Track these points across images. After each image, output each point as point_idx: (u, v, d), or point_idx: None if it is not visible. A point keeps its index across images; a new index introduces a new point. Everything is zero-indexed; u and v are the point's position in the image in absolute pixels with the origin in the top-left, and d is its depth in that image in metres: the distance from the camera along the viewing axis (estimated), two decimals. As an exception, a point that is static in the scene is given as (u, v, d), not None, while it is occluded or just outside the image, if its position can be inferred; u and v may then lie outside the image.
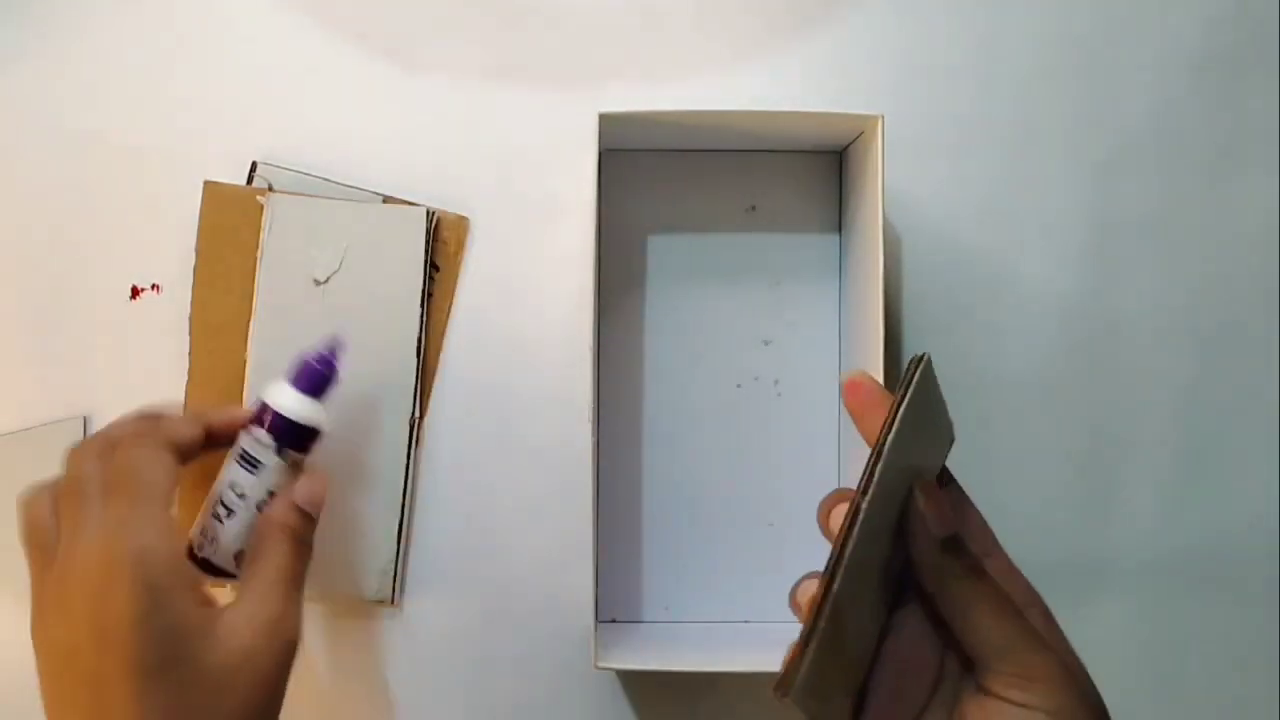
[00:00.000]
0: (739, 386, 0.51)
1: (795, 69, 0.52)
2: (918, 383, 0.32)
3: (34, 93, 0.51)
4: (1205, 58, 0.53)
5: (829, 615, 0.29)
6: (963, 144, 0.52)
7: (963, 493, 0.36)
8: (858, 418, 0.34)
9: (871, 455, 0.31)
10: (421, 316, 0.50)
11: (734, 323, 0.51)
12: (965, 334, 0.52)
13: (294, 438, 0.43)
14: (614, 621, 0.50)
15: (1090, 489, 0.51)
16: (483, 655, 0.51)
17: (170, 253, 0.50)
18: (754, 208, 0.52)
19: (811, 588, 0.31)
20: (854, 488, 0.31)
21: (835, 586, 0.29)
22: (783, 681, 0.29)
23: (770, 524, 0.51)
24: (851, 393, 0.34)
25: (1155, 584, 0.52)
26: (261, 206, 0.50)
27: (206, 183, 0.50)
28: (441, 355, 0.51)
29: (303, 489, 0.42)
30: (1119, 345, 0.52)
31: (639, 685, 0.51)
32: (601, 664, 0.43)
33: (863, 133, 0.47)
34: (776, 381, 0.51)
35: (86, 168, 0.51)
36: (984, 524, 0.36)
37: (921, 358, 0.33)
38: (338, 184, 0.51)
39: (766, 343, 0.51)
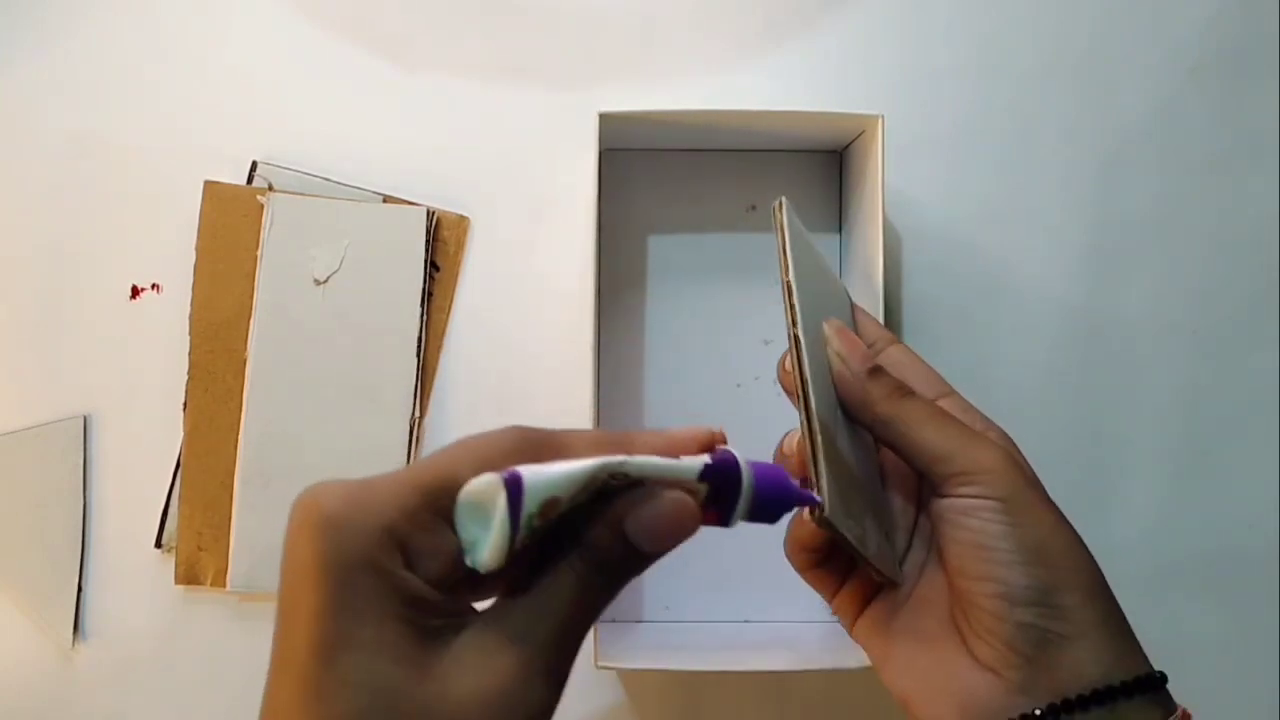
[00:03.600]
0: (739, 386, 0.51)
1: (795, 69, 0.52)
2: (790, 224, 0.34)
3: (34, 93, 0.51)
4: (1205, 58, 0.53)
5: (820, 430, 0.32)
6: (963, 144, 0.52)
7: (908, 349, 0.38)
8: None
9: (783, 291, 0.33)
10: (421, 316, 0.50)
11: (734, 323, 0.51)
12: (965, 334, 0.52)
13: (723, 492, 0.29)
14: (614, 621, 0.50)
15: (1090, 489, 0.51)
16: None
17: (170, 253, 0.50)
18: (754, 208, 0.52)
19: (795, 438, 0.35)
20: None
21: (811, 401, 0.32)
22: (815, 508, 0.31)
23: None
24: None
25: (1155, 584, 0.52)
26: (261, 206, 0.50)
27: (206, 183, 0.50)
28: (441, 355, 0.51)
29: (647, 512, 0.27)
30: (1119, 345, 0.52)
31: (639, 685, 0.51)
32: (601, 664, 0.43)
33: (863, 133, 0.47)
34: (776, 381, 0.51)
35: (86, 168, 0.51)
36: (933, 373, 0.37)
37: (779, 203, 0.35)
38: (338, 184, 0.51)
39: (766, 343, 0.51)
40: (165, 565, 0.50)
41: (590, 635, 0.43)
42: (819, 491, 0.31)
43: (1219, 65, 0.52)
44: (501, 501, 0.25)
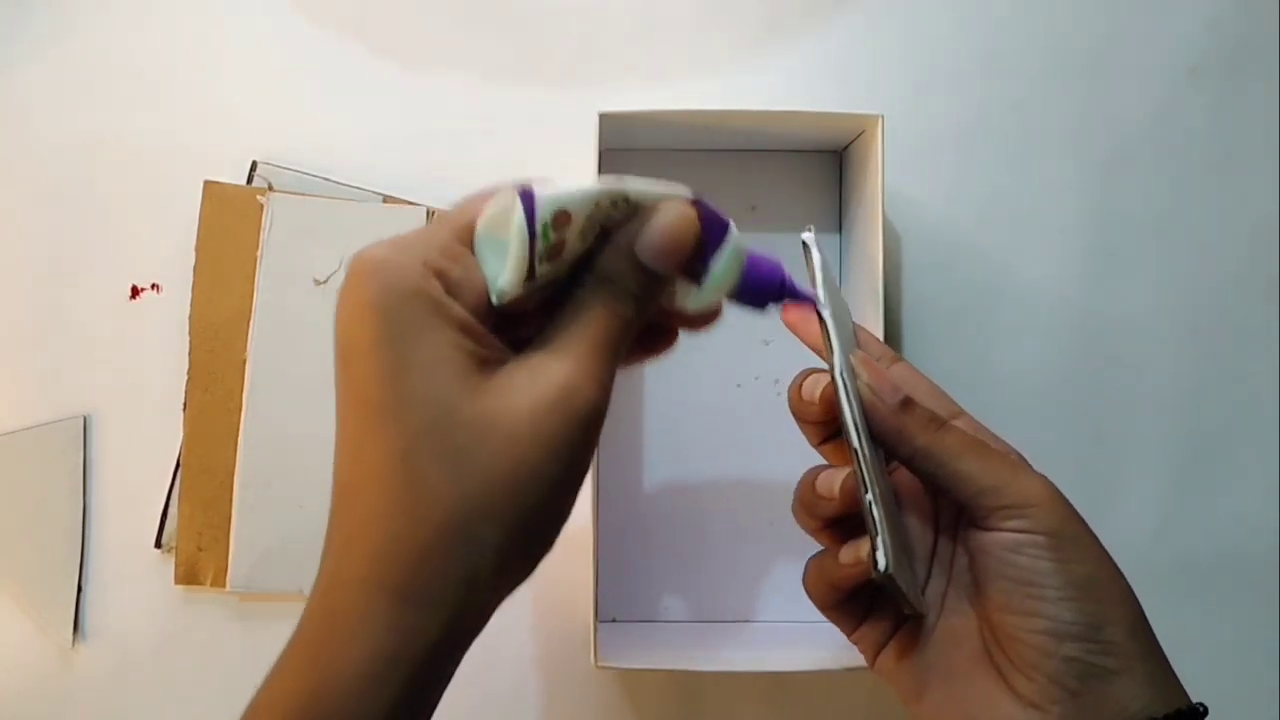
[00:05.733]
0: (739, 386, 0.51)
1: (795, 69, 0.52)
2: (819, 260, 0.34)
3: (34, 93, 0.51)
4: (1205, 58, 0.52)
5: (874, 481, 0.31)
6: (963, 144, 0.52)
7: (910, 366, 0.37)
8: (797, 327, 0.35)
9: (820, 324, 0.33)
10: (421, 316, 0.50)
11: (734, 323, 0.51)
12: (965, 334, 0.52)
13: (711, 230, 0.30)
14: (614, 621, 0.50)
15: (1090, 489, 0.51)
16: (483, 655, 0.50)
17: (170, 253, 0.50)
18: (754, 208, 0.52)
19: (821, 381, 0.35)
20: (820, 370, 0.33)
21: (865, 450, 0.32)
22: (876, 566, 0.31)
23: (770, 524, 0.51)
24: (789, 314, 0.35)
25: (1155, 584, 0.52)
26: (261, 206, 0.50)
27: (206, 183, 0.50)
28: (441, 355, 0.51)
29: (650, 227, 0.29)
30: (1119, 345, 0.52)
31: (639, 685, 0.51)
32: (601, 664, 0.43)
33: (863, 133, 0.47)
34: (776, 381, 0.51)
35: (86, 168, 0.51)
36: (939, 391, 0.36)
37: (807, 243, 0.35)
38: (338, 184, 0.51)
39: (766, 343, 0.51)
40: (165, 565, 0.50)
41: (591, 635, 0.43)
42: (877, 549, 0.31)
43: (1219, 65, 0.52)
44: (517, 212, 0.27)
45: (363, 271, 0.26)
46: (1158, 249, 0.52)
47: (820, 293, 0.33)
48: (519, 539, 0.27)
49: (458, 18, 0.52)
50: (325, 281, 0.50)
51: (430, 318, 0.26)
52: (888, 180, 0.45)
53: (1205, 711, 0.32)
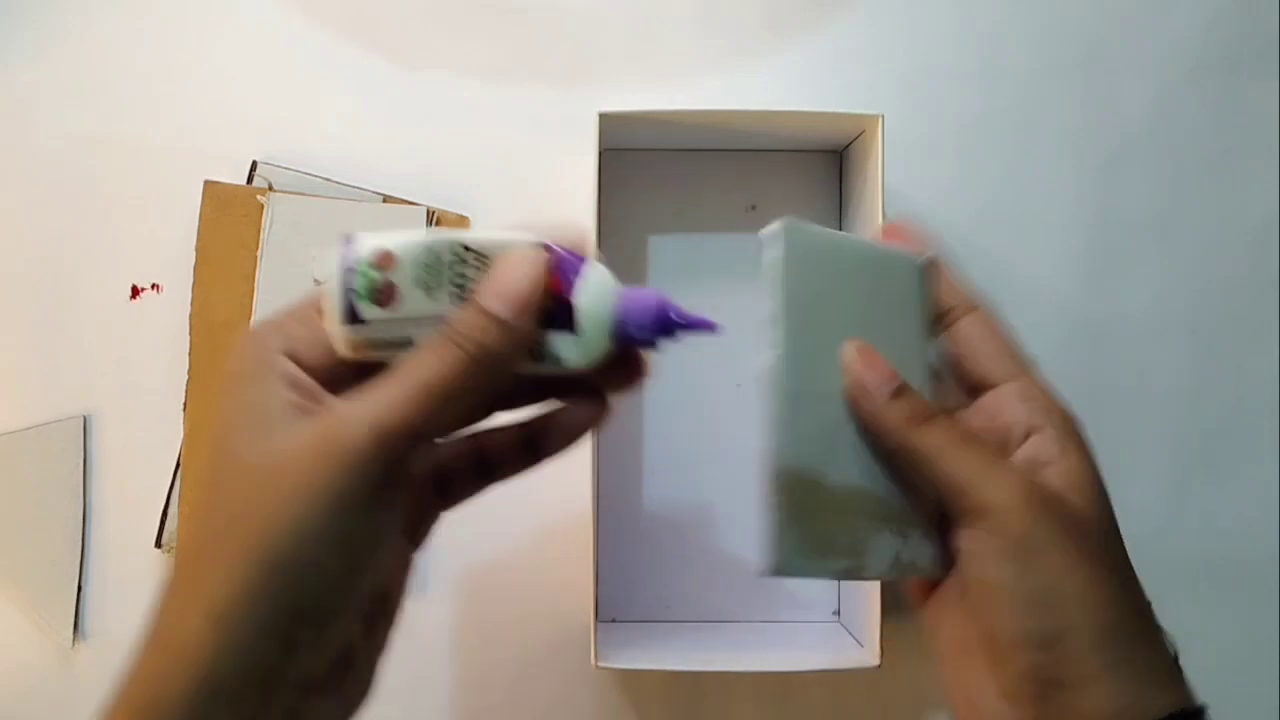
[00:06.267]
0: (739, 386, 0.51)
1: (795, 69, 0.52)
2: (786, 254, 0.33)
3: (34, 93, 0.51)
4: (1205, 58, 0.52)
5: (781, 486, 0.31)
6: (963, 144, 0.52)
7: (984, 318, 0.35)
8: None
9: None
10: (421, 316, 0.50)
11: (734, 323, 0.51)
12: (965, 334, 0.52)
13: (566, 264, 0.29)
14: (614, 621, 0.50)
15: (1090, 489, 0.51)
16: (483, 655, 0.51)
17: (170, 253, 0.50)
18: (754, 208, 0.52)
19: None
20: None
21: (775, 456, 0.31)
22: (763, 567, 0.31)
23: (770, 524, 0.51)
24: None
25: (1155, 584, 0.52)
26: (261, 206, 0.50)
27: (206, 183, 0.50)
28: (441, 355, 0.51)
29: (494, 280, 0.28)
30: (1119, 345, 0.52)
31: (639, 685, 0.51)
32: (601, 664, 0.43)
33: (863, 133, 0.47)
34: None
35: (86, 168, 0.51)
36: (1006, 346, 0.35)
37: (771, 234, 0.33)
38: (338, 184, 0.51)
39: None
40: (165, 565, 0.50)
41: (591, 635, 0.43)
42: (769, 545, 0.31)
43: (1219, 65, 0.52)
44: (336, 256, 0.28)
45: (241, 341, 0.29)
46: (1158, 249, 0.52)
47: (777, 296, 0.32)
48: (283, 597, 0.26)
49: (458, 18, 0.52)
50: (325, 281, 0.50)
51: (256, 372, 0.28)
52: (888, 180, 0.45)
53: (1199, 712, 0.31)
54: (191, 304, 0.50)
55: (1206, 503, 0.52)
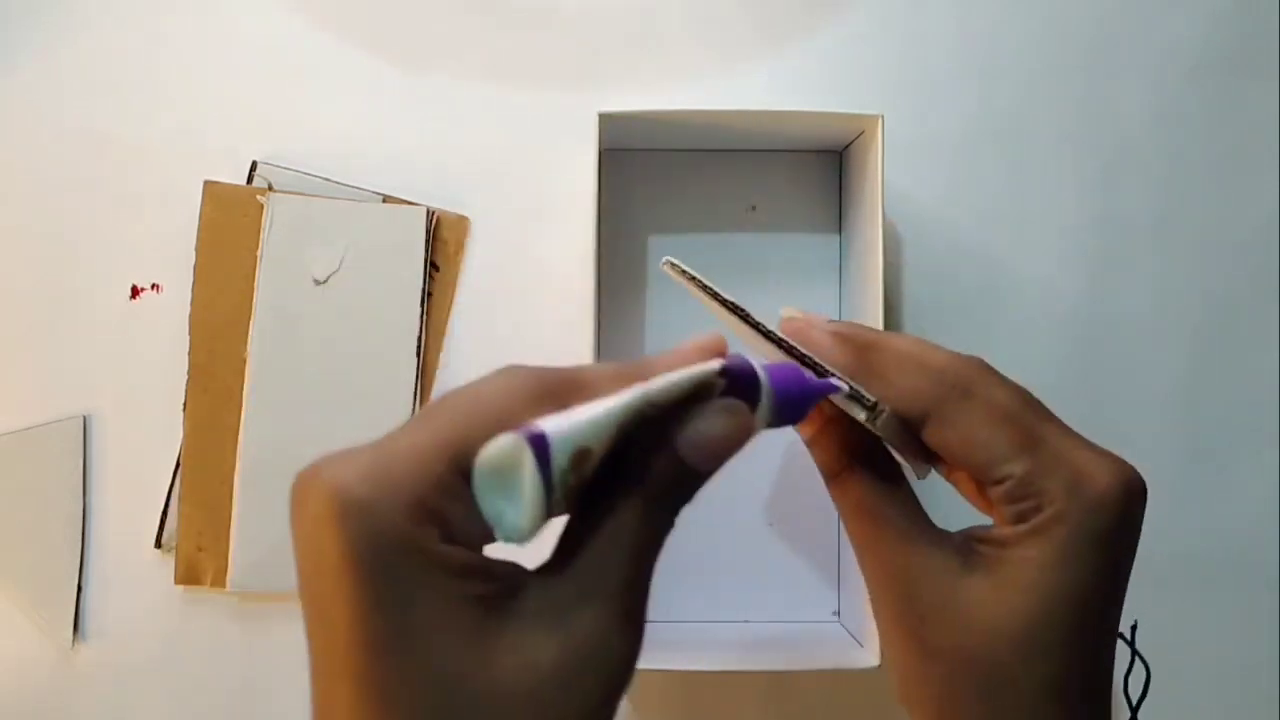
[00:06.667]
0: (739, 386, 0.51)
1: (795, 69, 0.52)
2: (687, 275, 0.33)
3: (35, 92, 0.51)
4: (1205, 58, 0.53)
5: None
6: (963, 144, 0.52)
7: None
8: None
9: (731, 311, 0.32)
10: (421, 316, 0.50)
11: (733, 323, 0.51)
12: (965, 334, 0.52)
13: (743, 392, 0.27)
14: (614, 621, 0.50)
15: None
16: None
17: (170, 253, 0.50)
18: (754, 208, 0.52)
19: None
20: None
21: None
22: (867, 406, 0.30)
23: (770, 524, 0.51)
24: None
25: (1155, 584, 0.52)
26: (261, 206, 0.50)
27: (206, 183, 0.50)
28: (441, 355, 0.51)
29: (701, 429, 0.25)
30: (1119, 345, 0.52)
31: (639, 685, 0.51)
32: (601, 664, 0.43)
33: (863, 133, 0.47)
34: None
35: (86, 167, 0.51)
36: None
37: (670, 263, 0.34)
38: (338, 184, 0.51)
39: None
40: (165, 565, 0.50)
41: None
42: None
43: (1219, 65, 0.52)
44: (529, 463, 0.22)
45: (339, 512, 0.21)
46: (1158, 249, 0.52)
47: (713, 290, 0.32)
48: None
49: (458, 18, 0.52)
50: (325, 281, 0.50)
51: (426, 574, 0.22)
52: (888, 180, 0.45)
53: None
54: (191, 304, 0.50)
55: (1206, 503, 0.52)
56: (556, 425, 0.23)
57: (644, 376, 0.25)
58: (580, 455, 0.23)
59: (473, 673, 0.22)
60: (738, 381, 0.26)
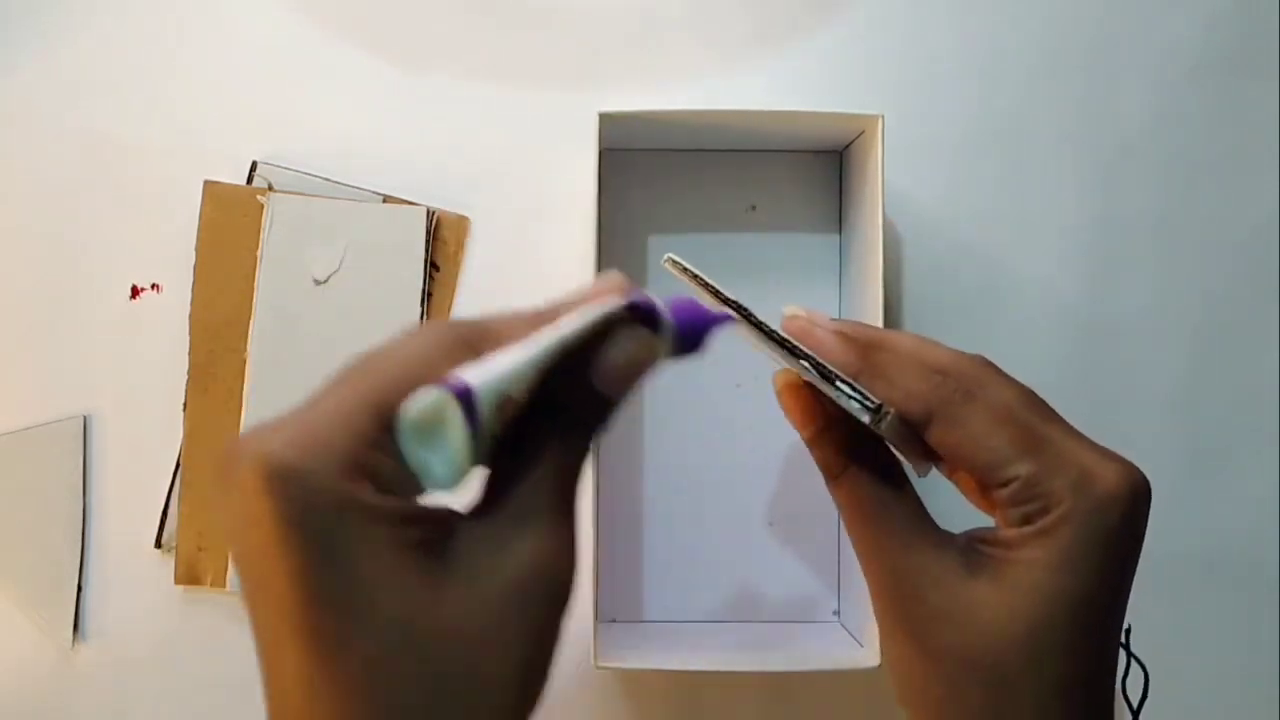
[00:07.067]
0: (739, 386, 0.51)
1: (795, 69, 0.52)
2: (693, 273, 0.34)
3: (34, 93, 0.51)
4: (1205, 58, 0.52)
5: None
6: (963, 144, 0.52)
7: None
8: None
9: (736, 311, 0.33)
10: (421, 316, 0.50)
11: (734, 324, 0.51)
12: (965, 334, 0.52)
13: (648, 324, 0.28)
14: (614, 621, 0.50)
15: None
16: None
17: (170, 253, 0.50)
18: (754, 208, 0.52)
19: (784, 376, 0.34)
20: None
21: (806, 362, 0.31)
22: (873, 413, 0.30)
23: (770, 524, 0.51)
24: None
25: (1155, 584, 0.52)
26: (261, 206, 0.50)
27: (206, 183, 0.50)
28: (441, 355, 0.51)
29: (608, 358, 0.27)
30: (1119, 345, 0.52)
31: (639, 685, 0.51)
32: (601, 664, 0.43)
33: (863, 133, 0.47)
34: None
35: (86, 168, 0.51)
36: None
37: (670, 260, 0.34)
38: (338, 184, 0.51)
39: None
40: (165, 565, 0.50)
41: (591, 635, 0.43)
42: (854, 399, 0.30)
43: (1219, 65, 0.52)
44: (456, 416, 0.23)
45: (269, 485, 0.21)
46: (1158, 249, 0.52)
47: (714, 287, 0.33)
48: None
49: (458, 18, 0.52)
50: (325, 281, 0.50)
51: (366, 527, 0.22)
52: (888, 180, 0.45)
53: None
54: (191, 304, 0.50)
55: (1206, 503, 0.52)
56: (479, 375, 0.23)
57: (553, 320, 0.26)
58: (503, 403, 0.24)
59: (423, 614, 0.23)
60: (640, 314, 0.27)
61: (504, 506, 0.25)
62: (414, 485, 0.24)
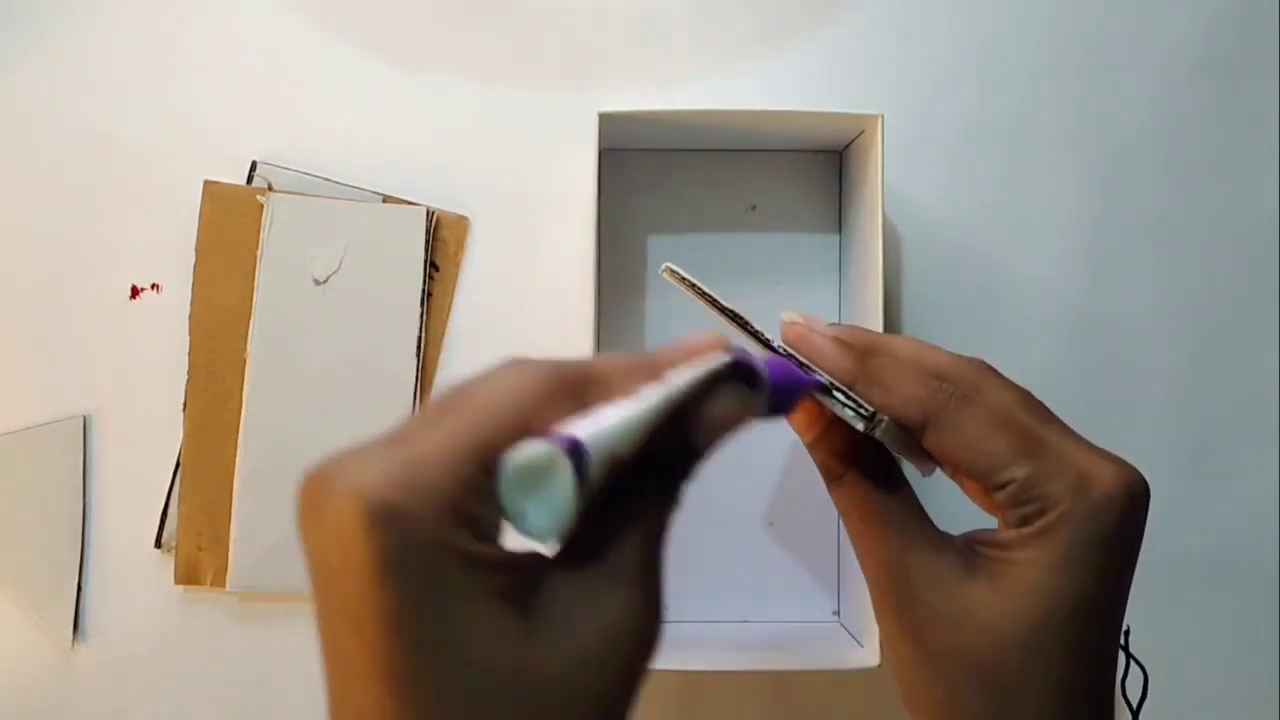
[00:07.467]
0: (739, 386, 0.51)
1: (795, 69, 0.52)
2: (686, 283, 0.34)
3: (34, 93, 0.51)
4: (1205, 58, 0.52)
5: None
6: (963, 144, 0.52)
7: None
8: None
9: (728, 318, 0.33)
10: (421, 316, 0.50)
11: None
12: (965, 334, 0.52)
13: (748, 382, 0.28)
14: (614, 621, 0.50)
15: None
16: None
17: (170, 253, 0.50)
18: (754, 208, 0.52)
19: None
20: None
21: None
22: (866, 420, 0.31)
23: (770, 524, 0.51)
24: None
25: (1155, 584, 0.52)
26: (261, 206, 0.50)
27: (206, 183, 0.50)
28: (441, 355, 0.51)
29: (712, 414, 0.27)
30: (1119, 345, 0.52)
31: (639, 685, 0.51)
32: (601, 664, 0.43)
33: (863, 133, 0.47)
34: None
35: (86, 168, 0.51)
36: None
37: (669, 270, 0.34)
38: (338, 184, 0.51)
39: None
40: (165, 565, 0.50)
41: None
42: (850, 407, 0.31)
43: (1219, 65, 0.52)
44: (567, 471, 0.22)
45: (371, 523, 0.21)
46: (1158, 249, 0.52)
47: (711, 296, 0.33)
48: None
49: (458, 18, 0.52)
50: (325, 281, 0.50)
51: (465, 574, 0.22)
52: (888, 180, 0.45)
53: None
54: (191, 304, 0.50)
55: (1206, 503, 0.52)
56: (591, 431, 0.23)
57: (655, 370, 0.26)
58: (614, 462, 0.23)
59: (512, 664, 0.22)
60: (741, 372, 0.27)
61: (597, 560, 0.24)
62: (502, 530, 0.23)
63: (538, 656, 0.23)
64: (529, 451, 0.22)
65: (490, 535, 0.23)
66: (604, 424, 0.23)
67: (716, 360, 0.26)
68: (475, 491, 0.22)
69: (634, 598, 0.24)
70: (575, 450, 0.22)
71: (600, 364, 0.26)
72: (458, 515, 0.22)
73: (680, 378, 0.25)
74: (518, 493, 0.23)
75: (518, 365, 0.25)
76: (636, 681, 0.25)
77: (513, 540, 0.24)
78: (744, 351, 0.28)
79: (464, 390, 0.24)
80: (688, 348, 0.28)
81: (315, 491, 0.22)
